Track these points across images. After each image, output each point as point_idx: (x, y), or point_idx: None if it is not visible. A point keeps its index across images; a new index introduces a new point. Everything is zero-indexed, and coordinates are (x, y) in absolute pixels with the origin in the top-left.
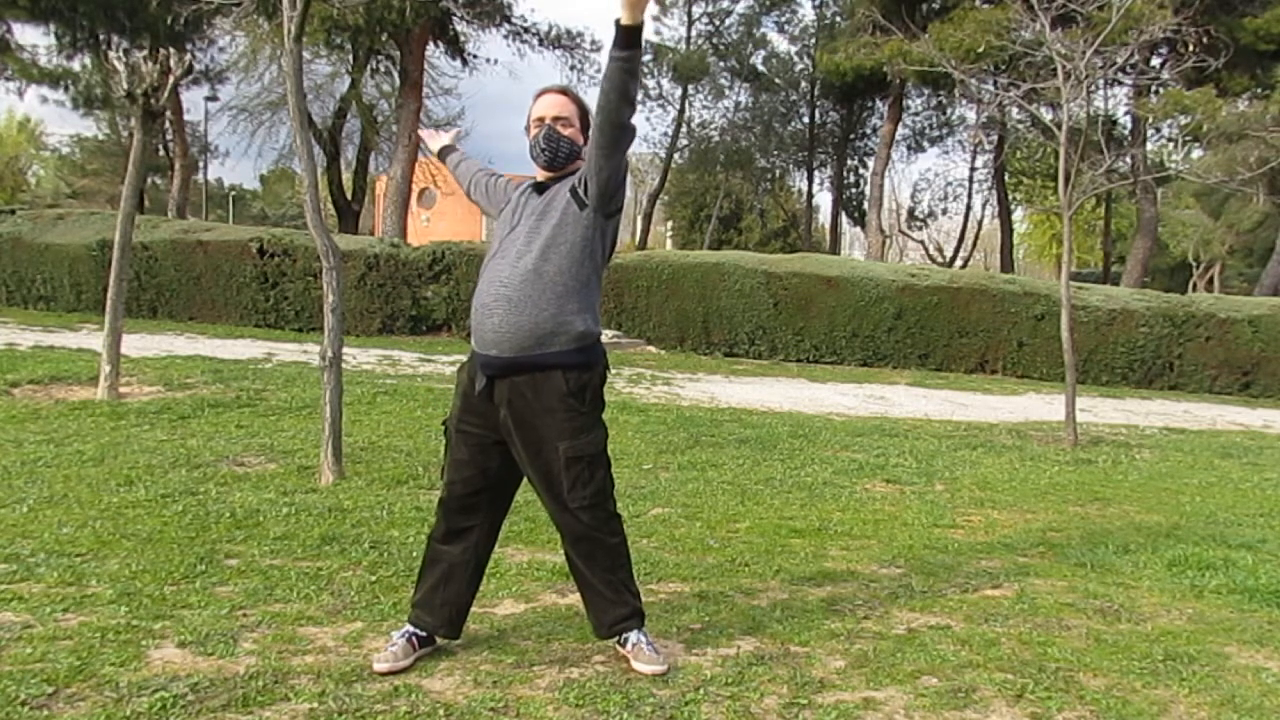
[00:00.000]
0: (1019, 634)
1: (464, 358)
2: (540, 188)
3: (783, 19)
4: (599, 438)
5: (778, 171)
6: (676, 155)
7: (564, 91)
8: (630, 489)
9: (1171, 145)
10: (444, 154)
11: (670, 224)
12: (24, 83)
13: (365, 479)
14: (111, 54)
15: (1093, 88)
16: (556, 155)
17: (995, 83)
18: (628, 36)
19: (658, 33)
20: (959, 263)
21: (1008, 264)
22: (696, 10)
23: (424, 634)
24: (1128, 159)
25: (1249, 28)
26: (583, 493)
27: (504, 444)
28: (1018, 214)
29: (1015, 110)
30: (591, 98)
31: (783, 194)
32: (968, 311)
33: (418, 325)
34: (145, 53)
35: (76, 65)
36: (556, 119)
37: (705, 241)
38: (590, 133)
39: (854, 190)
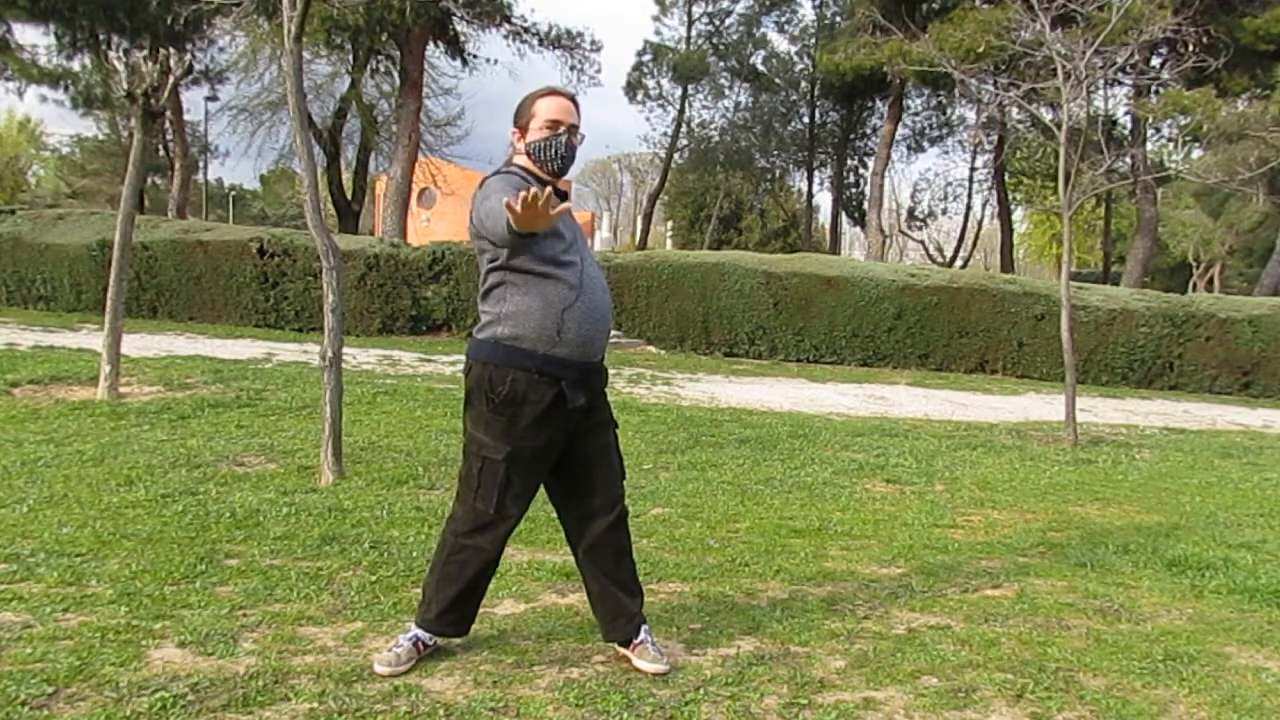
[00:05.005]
0: (1019, 634)
1: (461, 358)
2: (559, 194)
3: (783, 19)
4: None
5: (778, 171)
6: (676, 155)
7: (574, 100)
8: (630, 489)
9: (1171, 145)
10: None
11: (670, 224)
12: (24, 83)
13: (365, 479)
14: (111, 54)
15: (1093, 88)
16: (569, 167)
17: (995, 83)
18: (516, 236)
19: (658, 33)
20: (959, 263)
21: (1008, 264)
22: (696, 10)
23: (431, 641)
24: (1128, 159)
25: (1249, 28)
26: (622, 465)
27: (557, 449)
28: (1018, 214)
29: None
30: (593, 97)
31: (783, 194)
32: (968, 311)
33: (418, 325)
34: (145, 53)
35: (76, 65)
36: (573, 128)
37: (705, 241)
38: None
39: (854, 190)
